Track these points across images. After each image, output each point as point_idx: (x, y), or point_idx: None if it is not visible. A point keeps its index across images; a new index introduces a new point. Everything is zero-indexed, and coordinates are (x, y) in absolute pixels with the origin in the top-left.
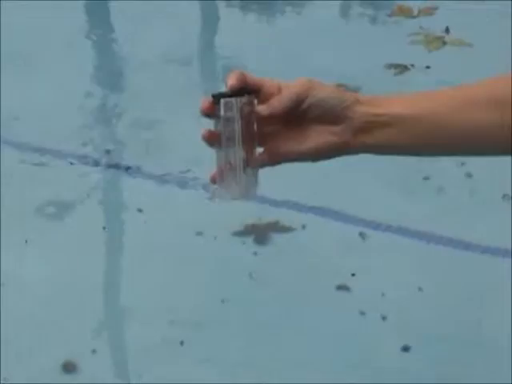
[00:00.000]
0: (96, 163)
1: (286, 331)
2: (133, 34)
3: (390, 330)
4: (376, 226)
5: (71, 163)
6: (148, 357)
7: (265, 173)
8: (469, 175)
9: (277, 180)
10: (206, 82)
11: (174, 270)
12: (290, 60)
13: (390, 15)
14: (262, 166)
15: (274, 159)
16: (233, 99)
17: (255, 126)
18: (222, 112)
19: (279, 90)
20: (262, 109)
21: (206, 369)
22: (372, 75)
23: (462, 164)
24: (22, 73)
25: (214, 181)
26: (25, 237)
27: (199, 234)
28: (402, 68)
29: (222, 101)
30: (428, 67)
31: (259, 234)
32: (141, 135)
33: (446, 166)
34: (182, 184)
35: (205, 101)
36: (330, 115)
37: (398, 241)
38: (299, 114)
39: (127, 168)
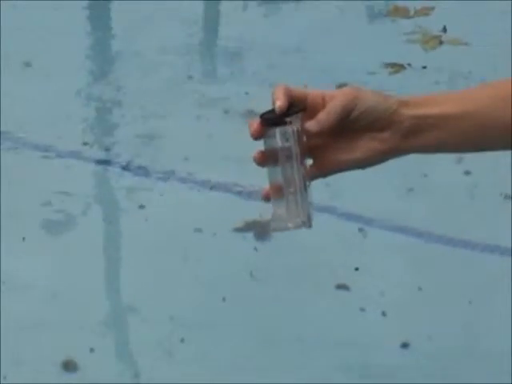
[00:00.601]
0: (95, 161)
1: (285, 329)
2: (133, 31)
3: (390, 328)
4: (376, 224)
5: (70, 161)
6: (148, 355)
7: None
8: (467, 173)
9: None
10: (207, 77)
11: (174, 267)
12: (288, 58)
13: (386, 15)
14: (313, 178)
15: (324, 171)
16: (288, 128)
17: (304, 140)
18: (279, 142)
19: (323, 100)
20: (311, 125)
21: (206, 367)
22: (369, 74)
23: (460, 161)
24: (20, 71)
25: (267, 198)
26: (22, 234)
27: (199, 230)
28: (398, 67)
29: (278, 130)
30: (424, 67)
31: (259, 230)
32: (140, 131)
33: (443, 164)
34: (183, 180)
35: (253, 124)
36: (377, 123)
37: (397, 239)
38: (346, 124)
39: (127, 165)
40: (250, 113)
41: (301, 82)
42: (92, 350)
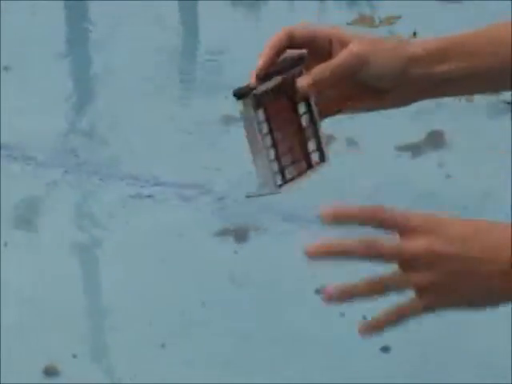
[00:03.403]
0: (71, 166)
1: (265, 332)
2: (112, 33)
3: None
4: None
5: (46, 165)
6: (129, 360)
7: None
8: (448, 176)
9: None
10: (190, 81)
11: (153, 271)
12: None
13: (349, 24)
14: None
15: (326, 113)
16: (248, 100)
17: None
18: (241, 113)
19: (330, 44)
20: (302, 83)
21: (187, 371)
22: None
23: (440, 165)
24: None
25: None
26: (3, 240)
27: (179, 234)
28: None
29: (240, 102)
30: None
31: (239, 234)
32: (119, 137)
33: (425, 167)
34: (161, 184)
35: None
36: (383, 84)
37: None
38: (352, 80)
39: (106, 170)
40: (227, 118)
41: None
42: (74, 355)
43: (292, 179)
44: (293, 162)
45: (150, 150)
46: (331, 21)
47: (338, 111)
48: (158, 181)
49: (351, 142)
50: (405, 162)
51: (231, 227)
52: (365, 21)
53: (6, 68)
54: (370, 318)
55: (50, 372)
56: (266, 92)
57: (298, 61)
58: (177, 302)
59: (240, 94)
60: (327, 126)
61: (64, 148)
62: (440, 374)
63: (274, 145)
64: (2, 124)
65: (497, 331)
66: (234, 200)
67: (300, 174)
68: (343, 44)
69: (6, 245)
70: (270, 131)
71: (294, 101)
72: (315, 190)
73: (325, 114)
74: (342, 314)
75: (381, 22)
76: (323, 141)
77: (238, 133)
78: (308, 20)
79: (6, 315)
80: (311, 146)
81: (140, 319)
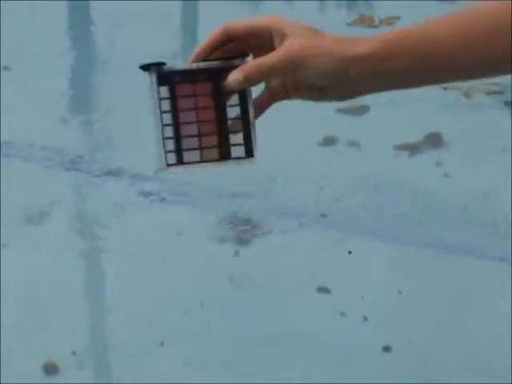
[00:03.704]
0: (73, 168)
1: (265, 332)
2: (113, 33)
3: (371, 331)
4: (357, 230)
5: (47, 166)
6: (128, 359)
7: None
8: (446, 175)
9: (263, 180)
10: None
11: (153, 271)
12: None
13: (349, 24)
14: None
15: (274, 99)
16: (154, 85)
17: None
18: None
19: (271, 36)
20: (230, 79)
21: (187, 371)
22: None
23: (439, 164)
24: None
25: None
26: (4, 240)
27: (178, 234)
28: None
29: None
30: None
31: (239, 234)
32: (120, 137)
33: (423, 166)
34: (162, 184)
35: None
36: (325, 84)
37: (377, 244)
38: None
39: (105, 170)
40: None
41: None
42: (73, 352)
43: (190, 163)
44: (199, 147)
45: (150, 149)
46: (331, 21)
47: (286, 97)
48: (157, 180)
49: (351, 142)
50: (403, 161)
51: (231, 227)
52: (364, 21)
53: (6, 68)
54: (370, 318)
55: (49, 370)
56: (177, 72)
57: (242, 55)
58: (176, 302)
59: (146, 67)
60: (327, 125)
61: (64, 148)
62: (441, 375)
63: (176, 124)
64: (2, 124)
65: (497, 332)
66: (234, 199)
67: (206, 160)
68: (283, 37)
69: (5, 246)
70: (175, 110)
71: (222, 91)
72: (314, 190)
73: (272, 99)
74: (343, 314)
75: (380, 22)
76: (253, 138)
77: None
78: (308, 21)
79: (6, 314)
80: (235, 139)
81: (140, 319)
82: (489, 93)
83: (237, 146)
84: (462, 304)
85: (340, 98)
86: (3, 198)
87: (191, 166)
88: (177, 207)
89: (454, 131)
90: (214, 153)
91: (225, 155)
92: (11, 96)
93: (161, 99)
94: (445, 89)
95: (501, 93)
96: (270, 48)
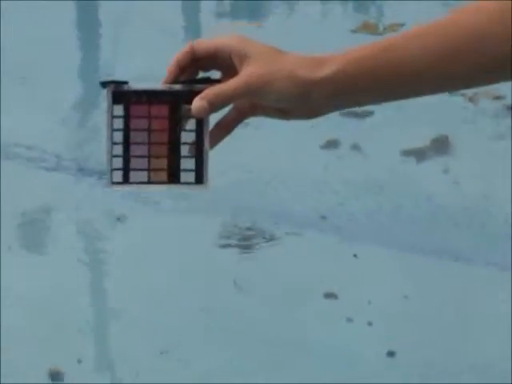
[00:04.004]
0: (79, 172)
1: (271, 336)
2: (117, 36)
3: (376, 336)
4: (363, 235)
5: (55, 170)
6: (133, 364)
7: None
8: (452, 180)
9: (266, 187)
10: None
11: (157, 276)
12: None
13: (353, 31)
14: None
15: (241, 117)
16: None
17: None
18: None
19: (230, 58)
20: (193, 106)
21: (190, 377)
22: None
23: (446, 171)
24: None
25: None
26: (7, 243)
27: (182, 240)
28: None
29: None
30: None
31: (243, 239)
32: None
33: (431, 172)
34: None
35: None
36: (287, 107)
37: (383, 249)
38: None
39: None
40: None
41: None
42: (79, 360)
43: (135, 183)
44: (148, 169)
45: None
46: (335, 28)
47: (254, 115)
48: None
49: (355, 147)
50: (410, 166)
51: (235, 232)
52: (368, 28)
53: (8, 68)
54: (375, 323)
55: (54, 377)
56: (134, 92)
57: (206, 79)
58: (180, 308)
59: (104, 84)
60: (332, 129)
61: (67, 150)
62: (445, 379)
63: (126, 143)
64: (4, 125)
65: (502, 338)
66: (238, 204)
67: (153, 182)
68: (242, 58)
69: (10, 248)
70: (127, 129)
71: (179, 114)
72: (318, 195)
73: (241, 117)
74: (349, 320)
75: (385, 28)
76: (205, 165)
77: (241, 135)
78: (312, 28)
79: (10, 319)
80: (186, 164)
81: (144, 324)
82: (494, 98)
83: (187, 172)
84: (467, 309)
85: (308, 117)
86: (4, 198)
87: (137, 186)
88: (180, 212)
89: (459, 136)
90: (163, 175)
91: (173, 179)
92: (14, 97)
93: (114, 117)
94: (450, 93)
95: (503, 98)
96: (232, 69)
